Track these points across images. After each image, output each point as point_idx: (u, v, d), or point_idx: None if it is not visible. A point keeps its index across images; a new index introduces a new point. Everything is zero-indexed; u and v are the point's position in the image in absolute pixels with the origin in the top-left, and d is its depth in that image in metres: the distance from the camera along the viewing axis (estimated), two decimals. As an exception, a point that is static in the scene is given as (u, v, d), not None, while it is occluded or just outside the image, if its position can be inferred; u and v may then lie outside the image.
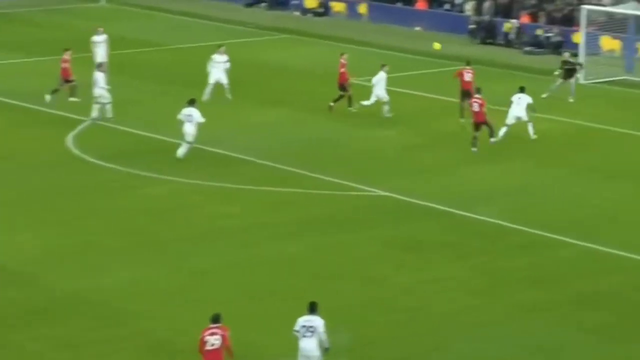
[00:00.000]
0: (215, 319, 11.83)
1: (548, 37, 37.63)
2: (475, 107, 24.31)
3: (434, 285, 16.44)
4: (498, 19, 40.16)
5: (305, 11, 45.47)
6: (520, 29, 38.71)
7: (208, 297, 15.32)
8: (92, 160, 23.76)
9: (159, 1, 46.44)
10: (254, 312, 14.75)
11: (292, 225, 19.30)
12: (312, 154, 24.60)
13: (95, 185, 21.86)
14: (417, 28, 41.76)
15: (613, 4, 36.05)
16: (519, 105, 25.17)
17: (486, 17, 40.39)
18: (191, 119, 23.30)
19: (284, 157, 23.97)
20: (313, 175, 22.76)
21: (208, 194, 21.81)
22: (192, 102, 23.80)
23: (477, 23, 39.97)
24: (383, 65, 28.02)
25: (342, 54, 29.47)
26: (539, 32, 38.41)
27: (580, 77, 30.72)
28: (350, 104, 28.04)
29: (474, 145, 24.09)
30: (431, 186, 22.05)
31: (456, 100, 28.06)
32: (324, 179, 22.43)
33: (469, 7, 41.63)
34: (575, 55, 31.26)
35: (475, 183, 22.35)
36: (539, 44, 37.72)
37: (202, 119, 23.39)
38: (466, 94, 26.95)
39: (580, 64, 30.43)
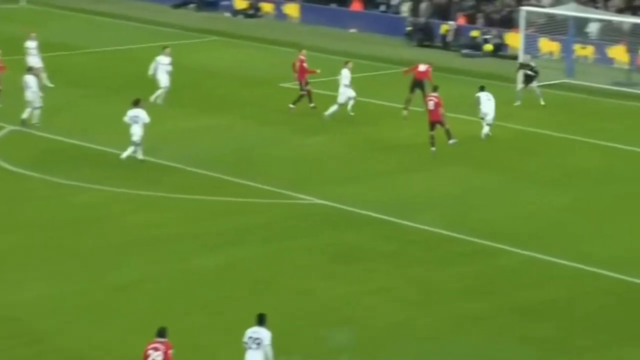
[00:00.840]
0: (161, 333, 11.53)
1: (486, 40, 37.67)
2: (431, 106, 24.27)
3: (371, 297, 16.11)
4: (435, 21, 39.97)
5: (235, 12, 45.09)
6: (458, 31, 38.55)
7: (130, 312, 15.00)
8: (12, 168, 23.05)
9: (82, 2, 45.57)
10: (182, 327, 14.03)
11: (225, 235, 18.92)
12: (245, 161, 24.31)
13: (16, 195, 21.30)
14: (353, 30, 41.44)
15: (552, 5, 36.01)
16: (490, 102, 25.57)
17: (423, 19, 40.16)
18: (137, 119, 23.05)
19: (215, 165, 23.56)
20: (246, 183, 22.42)
21: (136, 203, 21.35)
22: (137, 103, 23.43)
23: (414, 25, 39.75)
24: (346, 62, 28.04)
25: (301, 50, 29.43)
26: (475, 34, 38.34)
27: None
28: (310, 100, 27.91)
29: (432, 144, 23.99)
30: (369, 193, 21.76)
31: (393, 104, 28.15)
32: (257, 186, 22.12)
33: (405, 9, 41.49)
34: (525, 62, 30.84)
35: (414, 190, 22.22)
36: (477, 47, 37.73)
37: (148, 119, 23.19)
38: (418, 84, 27.25)
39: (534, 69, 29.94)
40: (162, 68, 28.82)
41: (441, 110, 24.00)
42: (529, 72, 29.23)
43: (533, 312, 15.59)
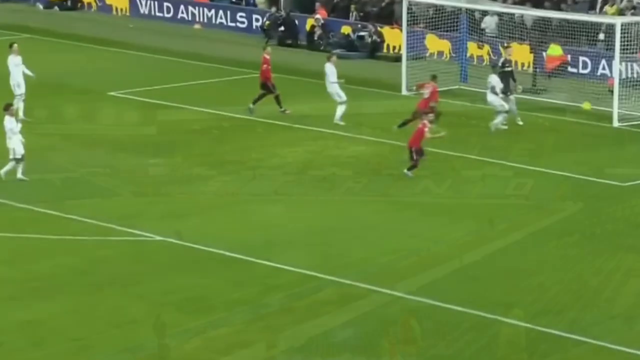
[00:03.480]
0: None
1: (361, 37, 34.39)
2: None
3: (224, 356, 14.03)
4: (298, 14, 36.78)
5: (49, 4, 41.55)
6: (326, 27, 35.19)
7: None
8: None
9: None
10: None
11: (38, 282, 16.59)
12: (67, 190, 21.67)
13: None
14: (197, 25, 38.23)
15: (441, -5, 33.80)
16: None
17: (283, 12, 36.66)
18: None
19: (28, 195, 20.98)
20: (67, 216, 19.84)
21: None
22: (6, 109, 21.85)
23: (273, 19, 36.18)
24: (329, 56, 26.45)
25: (265, 48, 28.07)
26: (347, 30, 35.23)
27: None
28: (280, 105, 26.37)
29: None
30: (218, 228, 19.49)
31: (247, 116, 26.43)
32: (81, 220, 19.55)
33: (261, 0, 38.65)
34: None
35: (273, 223, 19.88)
36: (351, 46, 34.35)
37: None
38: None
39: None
40: (17, 70, 26.25)
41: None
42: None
43: None
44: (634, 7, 32.56)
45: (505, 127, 25.61)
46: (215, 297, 16.36)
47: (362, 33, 34.41)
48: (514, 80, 26.60)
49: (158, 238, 19.11)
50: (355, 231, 19.60)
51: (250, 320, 15.49)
